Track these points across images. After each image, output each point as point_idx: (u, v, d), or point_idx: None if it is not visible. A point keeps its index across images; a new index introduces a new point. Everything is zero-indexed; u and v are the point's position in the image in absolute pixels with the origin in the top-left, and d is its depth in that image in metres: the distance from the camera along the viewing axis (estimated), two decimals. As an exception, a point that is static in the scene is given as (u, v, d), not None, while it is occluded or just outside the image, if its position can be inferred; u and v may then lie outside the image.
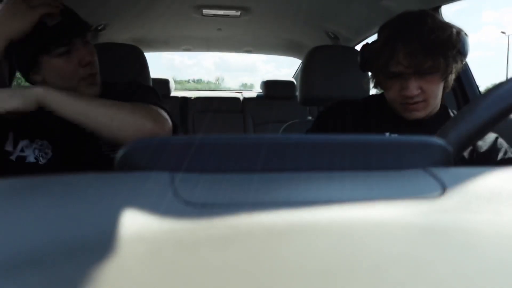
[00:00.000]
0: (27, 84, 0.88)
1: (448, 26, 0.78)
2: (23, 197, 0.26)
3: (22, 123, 0.84)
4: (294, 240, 0.21)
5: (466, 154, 0.81)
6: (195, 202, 0.25)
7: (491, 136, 0.82)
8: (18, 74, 1.22)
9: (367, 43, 0.92)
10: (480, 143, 0.82)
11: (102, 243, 0.20)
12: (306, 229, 0.23)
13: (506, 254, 0.20)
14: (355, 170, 0.31)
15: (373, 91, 1.03)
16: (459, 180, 0.30)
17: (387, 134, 0.83)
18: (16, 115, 0.71)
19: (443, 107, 0.90)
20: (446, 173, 0.31)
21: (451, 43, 0.77)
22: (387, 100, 0.88)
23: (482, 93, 1.47)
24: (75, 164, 0.85)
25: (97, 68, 0.86)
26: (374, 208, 0.25)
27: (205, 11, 1.88)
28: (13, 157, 0.85)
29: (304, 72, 1.29)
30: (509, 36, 34.28)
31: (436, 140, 0.34)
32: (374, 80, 0.89)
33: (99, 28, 1.88)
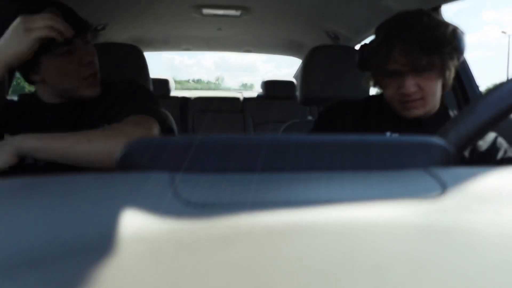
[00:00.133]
0: (27, 84, 0.87)
1: (444, 24, 0.78)
2: (23, 197, 0.26)
3: (21, 124, 0.84)
4: (294, 240, 0.21)
5: (466, 153, 0.81)
6: (195, 202, 0.25)
7: (490, 135, 0.83)
8: (18, 74, 1.22)
9: (365, 43, 0.92)
10: (480, 142, 0.82)
11: (102, 243, 0.20)
12: (306, 229, 0.23)
13: (506, 254, 0.20)
14: (355, 170, 0.31)
15: (373, 91, 1.04)
16: (459, 180, 0.30)
17: (388, 133, 0.83)
18: None
19: (443, 107, 0.90)
20: (446, 173, 0.31)
21: (446, 40, 0.77)
22: (386, 100, 0.88)
23: (482, 93, 1.47)
24: (74, 165, 0.85)
25: (97, 67, 0.86)
26: (374, 208, 0.25)
27: (205, 11, 1.87)
28: None
29: (304, 72, 1.29)
30: (510, 36, 34.29)
31: (436, 140, 0.34)
32: (373, 80, 0.90)
33: (98, 28, 1.87)
